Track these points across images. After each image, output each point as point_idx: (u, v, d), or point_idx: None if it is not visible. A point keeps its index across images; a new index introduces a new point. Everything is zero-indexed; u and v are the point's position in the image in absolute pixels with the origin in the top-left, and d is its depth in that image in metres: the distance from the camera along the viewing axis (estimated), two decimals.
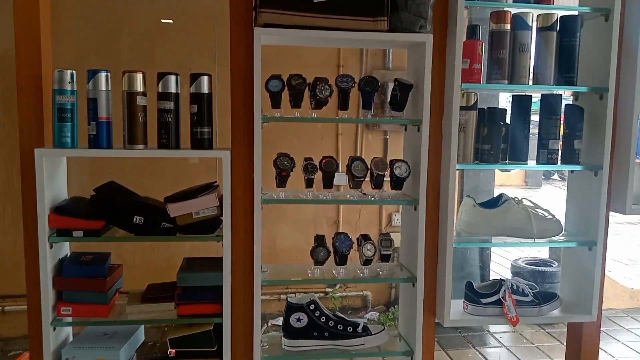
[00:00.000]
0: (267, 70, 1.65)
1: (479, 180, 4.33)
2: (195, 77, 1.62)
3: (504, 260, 6.27)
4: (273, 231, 4.02)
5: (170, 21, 3.76)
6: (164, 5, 3.72)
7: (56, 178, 1.68)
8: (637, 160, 1.89)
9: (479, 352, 3.81)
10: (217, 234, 1.67)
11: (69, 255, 1.73)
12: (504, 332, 4.20)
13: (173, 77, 1.60)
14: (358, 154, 4.06)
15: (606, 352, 3.92)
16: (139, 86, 1.58)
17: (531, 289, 1.90)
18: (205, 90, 1.63)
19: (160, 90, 1.60)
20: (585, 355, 2.01)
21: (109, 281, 1.64)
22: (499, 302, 1.85)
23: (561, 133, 1.85)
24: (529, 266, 4.36)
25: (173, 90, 1.60)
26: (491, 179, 4.45)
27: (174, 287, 1.70)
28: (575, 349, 2.04)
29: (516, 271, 4.42)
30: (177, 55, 3.64)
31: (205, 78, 1.63)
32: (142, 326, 1.82)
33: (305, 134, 3.93)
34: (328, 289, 4.40)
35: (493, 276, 5.16)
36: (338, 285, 4.43)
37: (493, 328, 4.24)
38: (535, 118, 1.87)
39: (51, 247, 1.61)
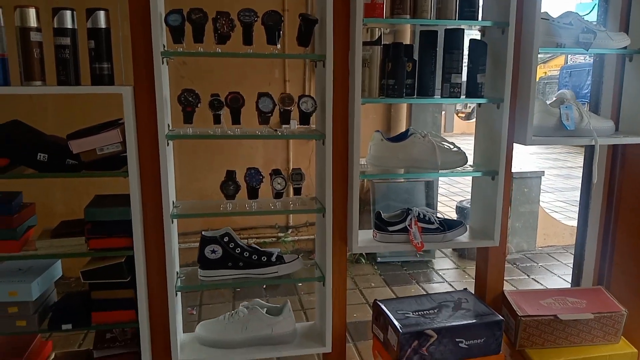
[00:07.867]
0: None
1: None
2: (91, 12, 1.61)
3: (452, 202, 6.50)
4: (204, 173, 4.01)
5: None
6: None
7: None
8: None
9: (422, 288, 4.00)
10: (124, 170, 1.71)
11: None
12: (448, 268, 4.41)
13: (69, 12, 1.59)
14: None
15: (542, 284, 4.16)
16: (32, 21, 1.56)
17: (437, 217, 2.01)
18: (103, 25, 1.62)
19: (55, 26, 1.59)
20: (492, 278, 2.14)
21: (17, 218, 1.68)
22: (405, 230, 1.95)
23: (465, 67, 1.91)
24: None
25: (69, 25, 1.59)
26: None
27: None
28: (483, 274, 2.17)
29: (461, 212, 4.58)
30: None
31: (102, 13, 1.61)
32: (59, 261, 1.87)
33: (250, 80, 3.88)
34: (280, 234, 4.51)
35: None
36: (290, 230, 4.55)
37: (437, 265, 4.45)
38: None
39: None
